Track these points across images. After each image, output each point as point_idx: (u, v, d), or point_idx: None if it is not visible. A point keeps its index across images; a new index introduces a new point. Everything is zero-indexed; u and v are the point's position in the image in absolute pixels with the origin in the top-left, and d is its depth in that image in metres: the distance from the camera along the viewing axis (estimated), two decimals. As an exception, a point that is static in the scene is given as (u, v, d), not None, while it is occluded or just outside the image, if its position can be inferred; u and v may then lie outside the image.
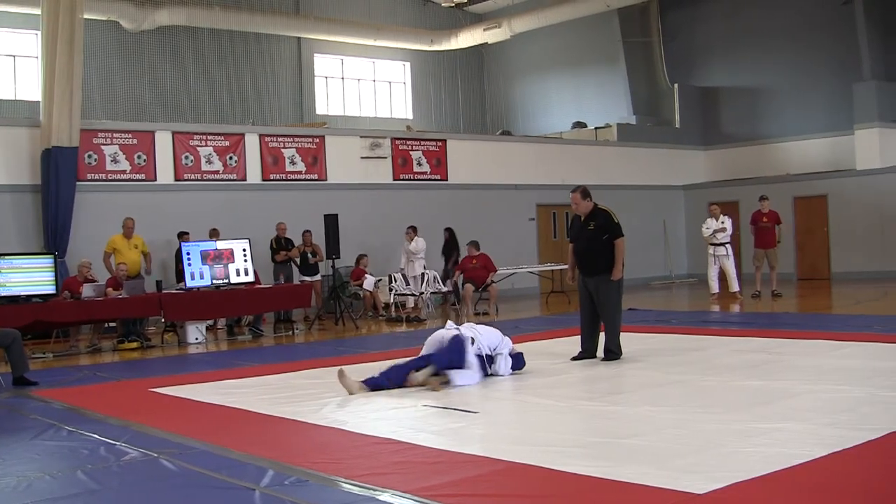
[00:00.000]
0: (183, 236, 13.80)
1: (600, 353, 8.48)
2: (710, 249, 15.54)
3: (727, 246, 15.40)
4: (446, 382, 7.20)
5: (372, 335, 12.45)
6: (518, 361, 7.85)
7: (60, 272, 12.46)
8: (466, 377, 7.29)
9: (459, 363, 7.32)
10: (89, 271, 12.15)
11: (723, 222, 15.39)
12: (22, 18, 18.08)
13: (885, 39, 19.64)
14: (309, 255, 15.07)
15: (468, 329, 7.74)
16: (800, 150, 20.88)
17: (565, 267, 17.82)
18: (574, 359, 8.46)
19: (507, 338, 7.87)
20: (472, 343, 7.51)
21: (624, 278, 8.52)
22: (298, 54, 22.65)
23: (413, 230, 15.74)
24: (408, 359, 7.53)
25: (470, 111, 25.45)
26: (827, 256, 19.55)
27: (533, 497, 4.08)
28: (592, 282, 8.48)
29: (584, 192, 8.63)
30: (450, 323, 7.92)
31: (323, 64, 23.34)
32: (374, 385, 7.15)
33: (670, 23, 23.30)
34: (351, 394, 7.02)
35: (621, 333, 8.50)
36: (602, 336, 8.52)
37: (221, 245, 12.80)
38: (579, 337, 8.67)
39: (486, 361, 7.62)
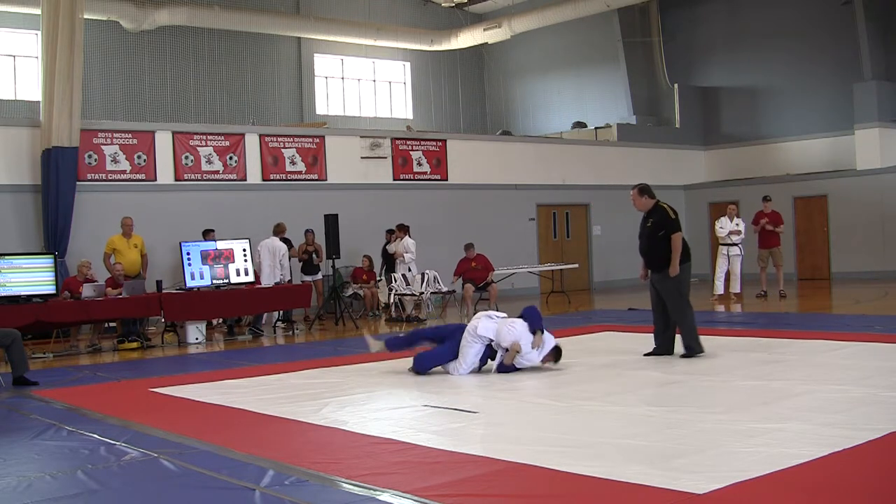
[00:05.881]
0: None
1: (678, 349, 8.53)
2: (724, 249, 15.58)
3: (740, 246, 15.48)
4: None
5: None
6: (557, 353, 8.05)
7: (60, 272, 12.46)
8: (460, 368, 7.93)
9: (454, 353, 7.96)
10: (89, 271, 12.15)
11: (738, 224, 15.46)
12: (22, 18, 18.07)
13: (885, 39, 19.64)
14: (314, 256, 15.05)
15: (494, 319, 8.08)
16: (800, 150, 20.87)
17: (565, 267, 18.17)
18: (647, 355, 8.50)
19: (526, 333, 7.87)
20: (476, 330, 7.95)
21: (690, 274, 8.62)
22: (298, 54, 22.64)
23: (400, 229, 15.31)
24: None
25: (470, 111, 25.43)
26: (827, 256, 19.55)
27: (533, 497, 4.08)
28: (656, 278, 8.60)
29: (642, 189, 8.64)
30: (490, 312, 8.25)
31: (323, 64, 23.33)
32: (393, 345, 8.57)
33: (670, 23, 23.29)
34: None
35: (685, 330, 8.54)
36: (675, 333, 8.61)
37: (221, 245, 12.81)
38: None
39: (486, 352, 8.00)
